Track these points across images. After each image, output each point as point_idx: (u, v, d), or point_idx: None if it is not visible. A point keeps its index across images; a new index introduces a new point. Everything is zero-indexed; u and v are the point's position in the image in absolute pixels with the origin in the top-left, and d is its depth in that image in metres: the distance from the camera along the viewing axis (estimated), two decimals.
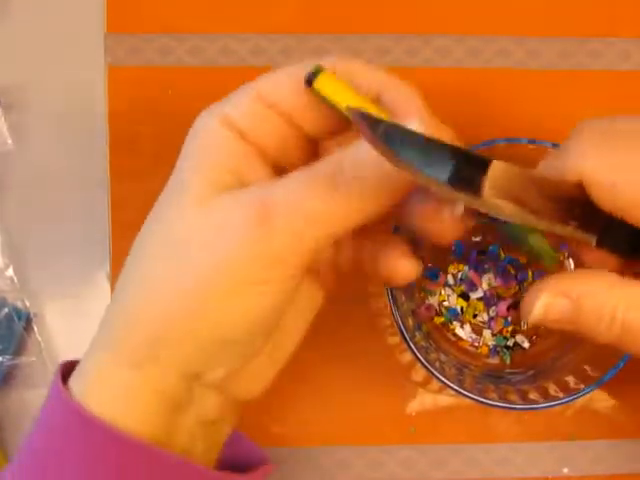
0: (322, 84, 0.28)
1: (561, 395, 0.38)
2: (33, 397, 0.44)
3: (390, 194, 0.26)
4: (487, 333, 0.44)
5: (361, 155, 0.25)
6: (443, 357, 0.42)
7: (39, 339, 0.44)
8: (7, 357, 0.43)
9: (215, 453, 0.31)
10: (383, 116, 0.27)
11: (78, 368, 0.30)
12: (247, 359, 0.29)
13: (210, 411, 0.30)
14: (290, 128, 0.29)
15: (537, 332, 0.44)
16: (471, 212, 0.27)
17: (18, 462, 0.30)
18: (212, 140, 0.29)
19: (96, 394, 0.28)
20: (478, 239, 0.44)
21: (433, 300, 0.44)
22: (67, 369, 0.30)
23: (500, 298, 0.44)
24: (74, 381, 0.29)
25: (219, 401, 0.30)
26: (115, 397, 0.28)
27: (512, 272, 0.44)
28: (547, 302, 0.27)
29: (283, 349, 0.31)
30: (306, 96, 0.29)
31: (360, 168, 0.25)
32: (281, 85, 0.29)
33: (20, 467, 0.30)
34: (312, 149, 0.31)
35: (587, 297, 0.26)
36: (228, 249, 0.26)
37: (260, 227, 0.26)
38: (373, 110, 0.28)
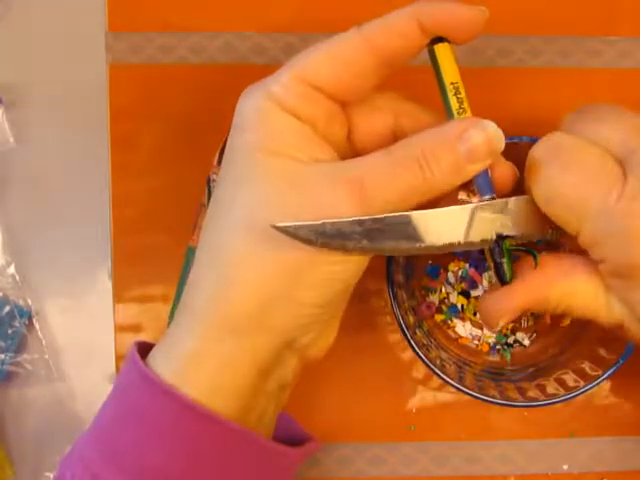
0: (441, 51, 0.31)
1: (561, 392, 0.39)
2: (35, 395, 0.44)
3: (458, 178, 0.30)
4: (487, 331, 0.44)
5: (439, 144, 0.29)
6: (444, 354, 0.42)
7: (41, 337, 0.44)
8: (9, 355, 0.44)
9: (277, 415, 0.34)
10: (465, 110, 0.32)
11: (165, 348, 0.31)
12: (331, 321, 0.33)
13: (288, 375, 0.33)
14: (334, 103, 0.31)
15: (537, 330, 0.45)
16: None
17: (95, 437, 0.32)
18: (274, 120, 0.30)
19: (193, 371, 0.30)
20: None
21: (434, 298, 0.45)
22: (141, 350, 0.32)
23: None
24: (162, 362, 0.31)
25: (296, 364, 0.33)
26: (213, 370, 0.30)
27: None
28: (506, 321, 0.32)
29: (341, 311, 0.34)
30: (347, 74, 0.31)
31: (439, 156, 0.29)
32: (323, 67, 0.30)
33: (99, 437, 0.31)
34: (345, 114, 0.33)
35: (535, 305, 0.32)
36: None
37: (360, 207, 0.29)
38: (463, 93, 0.32)
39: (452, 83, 0.31)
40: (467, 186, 0.31)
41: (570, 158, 0.30)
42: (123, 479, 0.30)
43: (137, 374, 0.31)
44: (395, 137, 0.33)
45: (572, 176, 0.29)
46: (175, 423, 0.30)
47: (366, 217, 0.29)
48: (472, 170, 0.30)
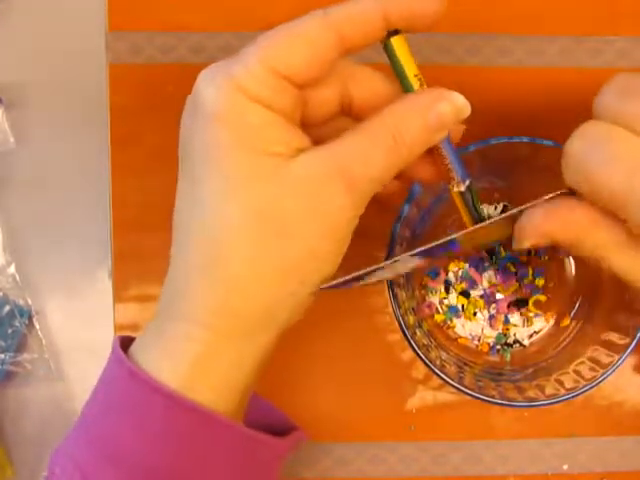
0: (400, 43, 0.31)
1: (561, 392, 0.39)
2: (34, 394, 0.44)
3: (425, 146, 0.31)
4: (487, 331, 0.44)
5: (410, 116, 0.30)
6: (443, 355, 0.42)
7: (41, 336, 0.44)
8: (9, 354, 0.44)
9: None
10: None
11: (165, 352, 0.31)
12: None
13: (273, 352, 0.33)
14: (299, 89, 0.31)
15: (537, 330, 0.45)
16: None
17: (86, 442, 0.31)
18: (248, 114, 0.29)
19: (203, 376, 0.30)
20: None
21: (434, 298, 0.44)
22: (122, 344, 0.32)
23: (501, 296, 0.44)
24: (164, 365, 0.30)
25: (278, 343, 0.33)
26: (223, 372, 0.30)
27: (512, 270, 0.44)
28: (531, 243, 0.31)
29: None
30: (315, 66, 0.30)
31: (410, 127, 0.30)
32: (293, 57, 0.29)
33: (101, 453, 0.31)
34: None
35: (566, 241, 0.29)
36: (330, 220, 0.30)
37: (350, 192, 0.29)
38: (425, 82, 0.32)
39: (415, 75, 0.31)
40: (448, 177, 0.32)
41: (602, 148, 0.27)
42: (112, 473, 0.29)
43: (125, 371, 0.30)
44: (342, 106, 0.33)
45: (604, 166, 0.27)
46: (171, 423, 0.29)
47: (382, 264, 0.31)
48: (438, 138, 0.31)
